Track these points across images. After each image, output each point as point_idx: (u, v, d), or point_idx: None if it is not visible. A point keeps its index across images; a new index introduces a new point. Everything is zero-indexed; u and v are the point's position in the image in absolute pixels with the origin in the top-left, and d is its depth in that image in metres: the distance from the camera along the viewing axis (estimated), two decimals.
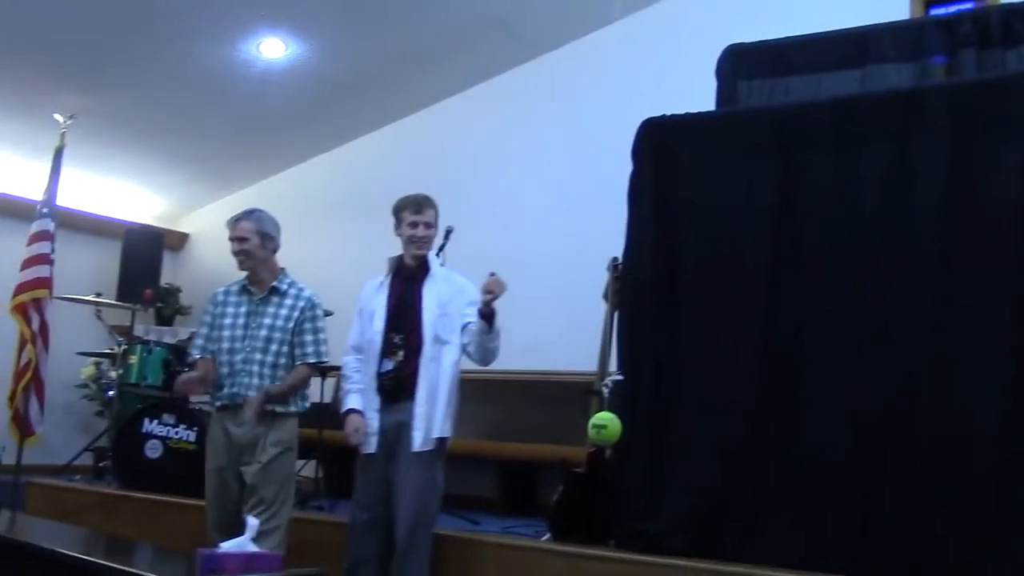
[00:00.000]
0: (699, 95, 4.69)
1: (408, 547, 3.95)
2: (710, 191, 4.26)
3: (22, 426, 5.92)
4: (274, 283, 4.17)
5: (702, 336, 4.16)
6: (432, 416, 4.01)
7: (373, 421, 4.03)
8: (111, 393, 6.70)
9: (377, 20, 6.43)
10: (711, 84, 4.81)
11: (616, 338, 4.47)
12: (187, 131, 7.59)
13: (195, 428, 5.53)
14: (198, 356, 4.27)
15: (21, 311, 6.00)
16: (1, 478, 5.81)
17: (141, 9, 5.99)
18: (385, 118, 7.75)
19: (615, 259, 4.58)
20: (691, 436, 4.09)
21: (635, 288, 4.37)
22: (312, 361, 4.15)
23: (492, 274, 3.85)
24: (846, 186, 3.93)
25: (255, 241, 4.13)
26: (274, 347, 4.11)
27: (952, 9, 5.18)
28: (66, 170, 6.37)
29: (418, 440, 3.96)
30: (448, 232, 4.37)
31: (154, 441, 5.62)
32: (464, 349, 4.09)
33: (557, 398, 5.85)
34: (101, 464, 6.39)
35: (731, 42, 4.84)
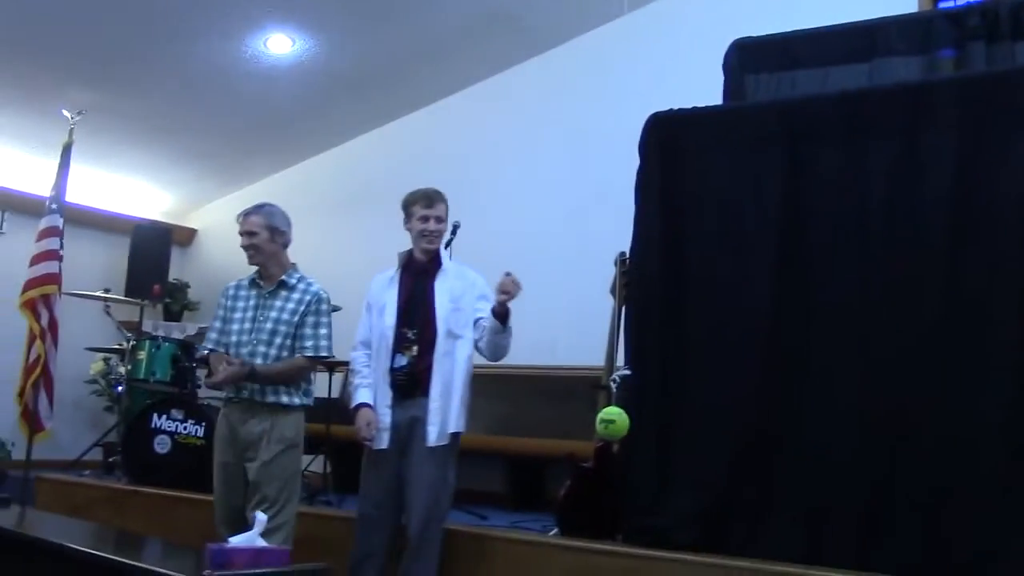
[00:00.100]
0: (706, 89, 4.68)
1: (420, 542, 3.96)
2: (717, 185, 4.25)
3: (32, 422, 5.95)
4: (283, 277, 4.16)
5: (709, 331, 4.15)
6: (447, 411, 4.00)
7: (385, 417, 4.01)
8: (120, 389, 6.74)
9: (383, 16, 6.43)
10: (718, 78, 4.80)
11: (623, 333, 4.46)
12: (195, 127, 7.61)
13: (203, 423, 5.55)
14: (211, 349, 4.25)
15: (30, 307, 6.02)
16: (11, 473, 5.84)
17: (149, 5, 6.01)
18: (391, 114, 7.76)
19: (622, 254, 4.57)
20: (698, 431, 4.08)
21: (642, 283, 4.37)
22: (310, 354, 4.11)
23: (508, 274, 3.84)
24: (854, 180, 3.91)
25: (264, 235, 4.12)
26: (278, 340, 4.08)
27: (961, 2, 5.16)
28: (74, 166, 6.39)
29: (433, 435, 3.96)
30: (455, 228, 4.38)
31: (163, 436, 5.64)
32: (475, 345, 4.09)
33: (565, 393, 5.85)
34: (110, 459, 6.41)
35: (738, 36, 4.82)
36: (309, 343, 4.11)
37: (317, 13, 6.36)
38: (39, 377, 5.96)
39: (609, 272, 4.67)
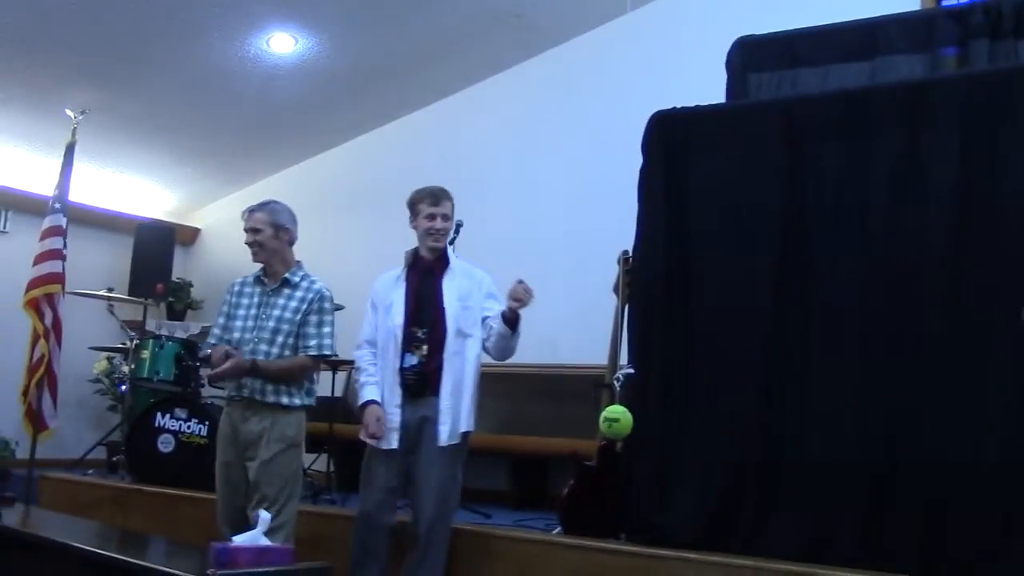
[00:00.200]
0: (708, 88, 4.67)
1: (428, 543, 3.96)
2: (720, 184, 4.25)
3: (35, 421, 5.95)
4: (286, 275, 4.13)
5: (712, 329, 4.15)
6: (458, 410, 4.00)
7: (394, 416, 3.99)
8: (123, 388, 6.74)
9: (386, 14, 6.42)
10: (720, 77, 4.79)
11: (626, 331, 4.46)
12: (198, 126, 7.61)
13: (207, 422, 5.56)
14: (214, 344, 4.21)
15: (34, 306, 6.02)
16: (15, 472, 5.85)
17: (152, 5, 6.00)
18: (394, 113, 7.76)
19: (625, 252, 4.58)
20: (701, 430, 4.08)
21: (645, 281, 4.37)
22: (313, 353, 4.08)
23: (520, 282, 3.83)
24: (856, 178, 3.91)
25: (268, 232, 4.10)
26: (280, 339, 4.06)
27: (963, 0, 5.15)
28: (78, 165, 6.39)
29: (444, 435, 3.95)
30: (458, 226, 4.37)
31: (166, 435, 5.65)
32: (483, 344, 4.09)
33: (568, 392, 5.85)
34: (114, 458, 6.43)
35: (741, 34, 4.82)
36: (312, 342, 4.08)
37: (319, 12, 6.36)
38: (43, 376, 5.96)
39: (612, 271, 4.67)
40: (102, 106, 6.74)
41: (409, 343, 4.02)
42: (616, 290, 4.64)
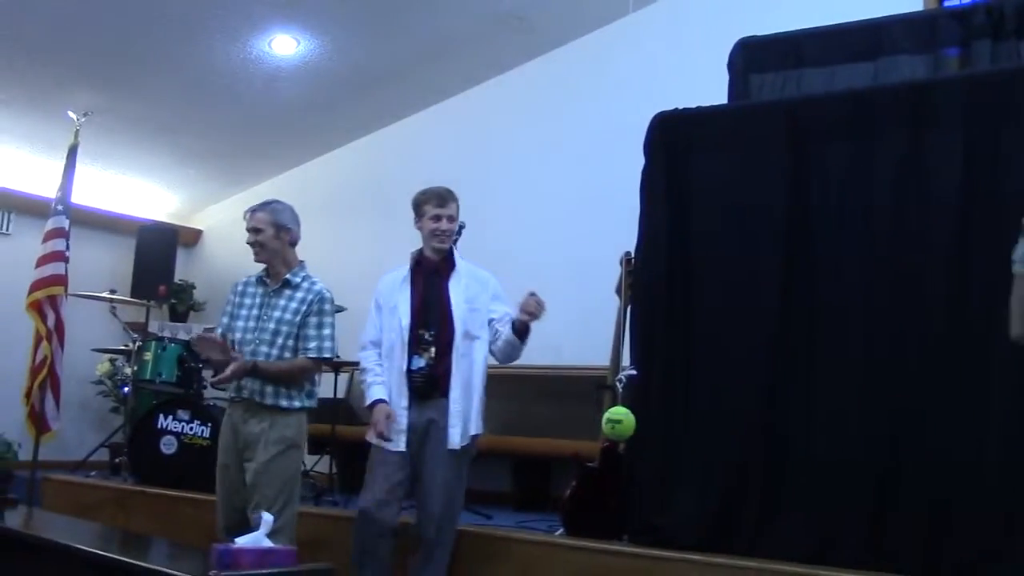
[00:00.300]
0: (711, 89, 4.67)
1: (434, 545, 3.95)
2: (723, 185, 4.25)
3: (38, 422, 5.96)
4: (287, 276, 4.10)
5: (715, 330, 4.15)
6: (468, 413, 3.98)
7: (402, 419, 3.94)
8: (126, 389, 6.73)
9: (389, 16, 6.43)
10: (723, 78, 4.79)
11: (629, 333, 4.46)
12: (200, 128, 7.62)
13: (209, 423, 5.56)
14: None
15: (36, 308, 6.03)
16: (18, 474, 5.83)
17: (154, 7, 6.01)
18: (396, 114, 7.76)
19: (627, 253, 4.58)
20: (704, 431, 4.08)
21: (647, 283, 4.37)
22: (313, 355, 4.04)
23: (532, 294, 3.81)
24: (860, 179, 3.91)
25: (269, 232, 4.08)
26: (280, 340, 4.03)
27: (966, 0, 5.15)
28: (80, 167, 6.39)
29: (455, 437, 3.92)
30: (460, 228, 4.36)
31: (169, 437, 5.65)
32: (488, 347, 4.07)
33: (570, 393, 5.85)
34: (117, 460, 6.42)
35: (743, 35, 4.82)
36: (312, 344, 4.05)
37: (321, 14, 6.37)
38: (45, 378, 5.96)
39: (614, 272, 4.67)
40: (104, 108, 6.74)
41: (416, 345, 3.98)
42: (618, 291, 4.64)
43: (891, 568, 3.49)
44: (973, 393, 3.51)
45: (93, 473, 6.24)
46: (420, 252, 4.15)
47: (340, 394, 6.40)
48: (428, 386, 3.96)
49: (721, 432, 4.03)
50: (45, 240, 6.16)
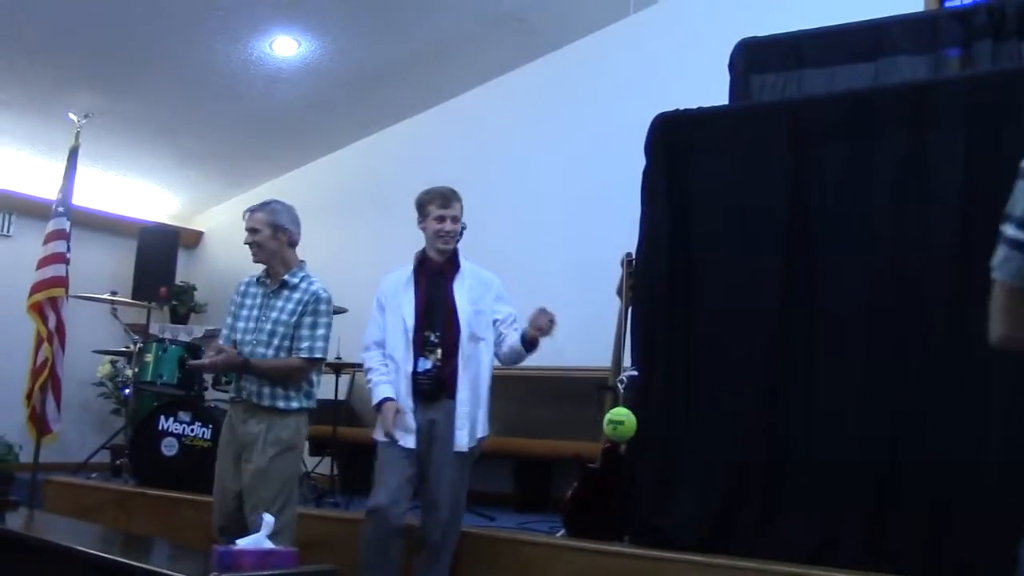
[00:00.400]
0: (712, 90, 4.67)
1: (442, 545, 3.96)
2: (724, 186, 4.25)
3: (39, 424, 5.95)
4: (285, 276, 4.08)
5: (716, 331, 4.15)
6: (476, 415, 3.97)
7: (410, 419, 3.91)
8: (127, 391, 6.74)
9: (390, 17, 6.43)
10: (724, 79, 4.79)
11: (630, 334, 4.46)
12: (201, 130, 7.62)
13: (210, 425, 5.56)
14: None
15: (37, 310, 6.03)
16: (19, 476, 5.84)
17: (154, 9, 6.01)
18: (397, 115, 7.77)
19: (628, 254, 4.57)
20: (705, 432, 4.08)
21: (648, 284, 4.36)
22: (305, 356, 4.00)
23: (544, 311, 3.80)
24: (860, 180, 3.90)
25: (266, 233, 4.06)
26: (276, 341, 4.01)
27: (967, 1, 5.15)
28: (81, 169, 6.39)
29: (463, 440, 3.90)
30: (462, 229, 4.35)
31: (170, 438, 5.65)
32: (494, 352, 4.05)
33: (571, 394, 5.84)
34: (118, 462, 6.42)
35: (743, 36, 4.82)
36: (305, 344, 4.01)
37: (322, 15, 6.37)
38: (46, 380, 5.96)
39: (615, 273, 4.67)
40: (105, 109, 6.74)
41: (421, 347, 3.95)
42: (619, 292, 4.63)
43: (891, 569, 3.48)
44: (973, 393, 3.50)
45: (94, 475, 6.25)
46: (423, 252, 4.12)
47: (341, 396, 6.40)
48: (435, 388, 3.93)
49: (722, 433, 4.02)
50: (46, 242, 6.16)
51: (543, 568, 4.10)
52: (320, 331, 4.04)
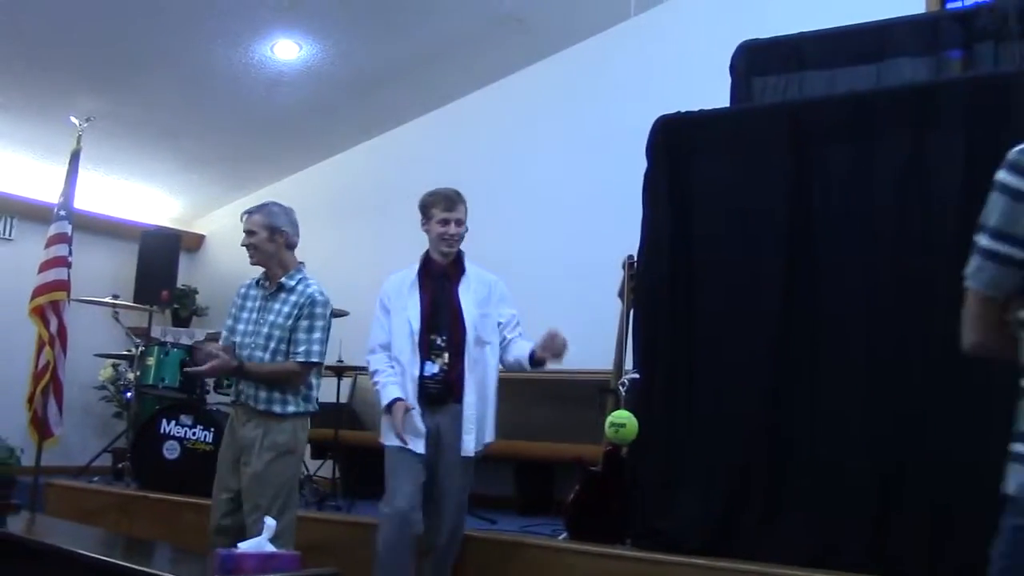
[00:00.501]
0: (713, 92, 4.68)
1: (448, 550, 3.95)
2: (725, 188, 4.25)
3: (41, 428, 5.95)
4: (282, 279, 4.05)
5: (717, 333, 4.14)
6: (484, 420, 3.94)
7: (419, 422, 3.85)
8: (129, 394, 6.74)
9: (390, 20, 6.43)
10: (725, 81, 4.79)
11: (631, 336, 4.46)
12: (202, 133, 7.63)
13: (212, 429, 5.56)
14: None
15: (39, 313, 6.02)
16: (20, 479, 5.84)
17: (155, 12, 6.02)
18: (399, 118, 7.77)
19: (630, 257, 4.57)
20: (707, 434, 4.07)
21: (650, 286, 4.36)
22: (301, 360, 3.95)
23: (556, 335, 3.75)
24: (862, 181, 3.90)
25: (263, 235, 4.03)
26: (272, 344, 3.98)
27: (969, 2, 5.15)
28: (83, 173, 6.39)
29: (470, 444, 3.87)
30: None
31: (172, 442, 5.65)
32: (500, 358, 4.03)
33: (573, 397, 5.83)
34: (120, 465, 6.42)
35: (745, 38, 4.82)
36: (301, 348, 3.96)
37: (323, 19, 6.38)
38: (48, 383, 5.96)
39: (617, 275, 4.67)
40: (106, 113, 6.74)
41: (427, 351, 3.91)
42: (621, 295, 4.63)
43: (894, 571, 3.48)
44: (976, 395, 3.49)
45: (96, 478, 6.25)
46: (428, 255, 4.07)
47: (343, 399, 6.40)
48: (442, 392, 3.90)
49: (724, 435, 4.02)
50: (48, 245, 6.16)
51: (545, 571, 4.10)
52: (316, 334, 4.00)
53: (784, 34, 4.75)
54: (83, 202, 6.70)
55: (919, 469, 3.58)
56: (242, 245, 4.11)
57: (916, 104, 3.85)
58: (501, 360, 4.04)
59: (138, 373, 6.14)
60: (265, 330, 4.01)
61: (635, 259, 4.51)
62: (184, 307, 8.55)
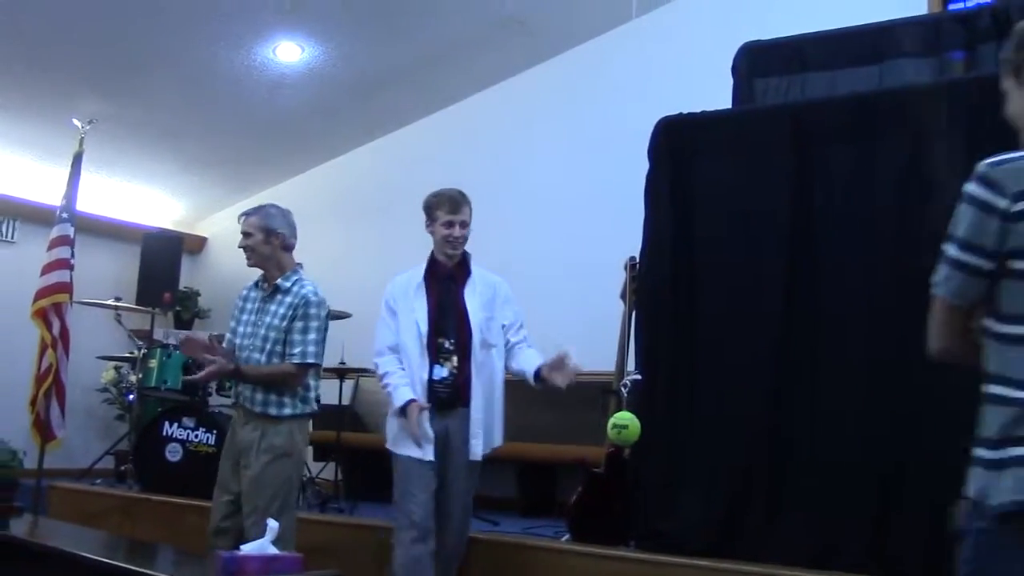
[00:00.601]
0: (715, 93, 4.67)
1: (454, 554, 3.94)
2: (727, 189, 4.24)
3: (43, 431, 5.96)
4: (278, 280, 4.04)
5: (720, 335, 4.14)
6: (492, 424, 3.92)
7: (428, 427, 3.78)
8: (131, 397, 6.74)
9: (393, 22, 6.43)
10: (727, 82, 4.79)
11: (633, 338, 4.45)
12: (205, 135, 7.63)
13: (214, 431, 5.56)
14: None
15: (42, 316, 6.04)
16: (23, 482, 5.84)
17: (158, 15, 6.02)
18: (401, 120, 7.77)
19: (632, 258, 4.57)
20: (709, 435, 4.07)
21: (652, 287, 4.36)
22: (296, 361, 3.92)
23: (565, 357, 3.70)
24: (864, 183, 3.90)
25: (258, 237, 4.03)
26: (269, 346, 3.96)
27: (971, 3, 5.14)
28: (85, 175, 6.41)
29: (479, 449, 3.85)
30: None
31: (174, 444, 5.65)
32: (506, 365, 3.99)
33: (576, 398, 5.79)
34: (122, 468, 6.43)
35: (747, 39, 4.81)
36: (296, 349, 3.93)
37: (325, 21, 6.38)
38: (51, 386, 5.97)
39: (619, 277, 4.67)
40: (109, 115, 6.75)
41: (437, 354, 3.86)
42: (623, 296, 4.63)
43: (894, 571, 3.48)
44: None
45: (98, 481, 6.25)
46: (433, 256, 4.02)
47: (345, 401, 6.40)
48: (452, 396, 3.85)
49: (726, 436, 4.02)
50: (50, 248, 6.18)
51: (547, 573, 4.10)
52: (311, 335, 3.96)
53: (786, 35, 4.75)
54: (85, 204, 6.72)
55: (919, 469, 3.58)
56: (239, 247, 4.12)
57: (918, 106, 3.84)
58: (505, 365, 4.00)
59: (140, 375, 6.15)
60: (262, 332, 4.00)
61: (637, 260, 4.51)
62: (186, 309, 8.56)
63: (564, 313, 6.12)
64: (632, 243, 4.47)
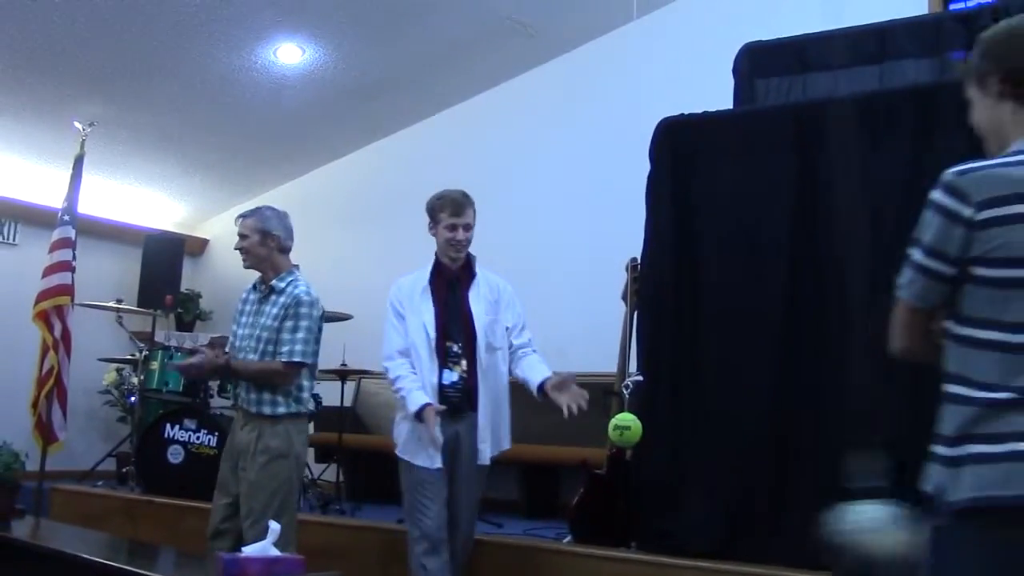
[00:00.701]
0: (716, 94, 4.67)
1: (462, 554, 3.92)
2: (728, 190, 4.24)
3: (45, 433, 5.96)
4: (273, 281, 4.05)
5: (721, 335, 4.14)
6: (499, 427, 3.91)
7: (438, 434, 3.70)
8: (133, 399, 6.74)
9: (394, 24, 6.43)
10: (728, 83, 4.79)
11: (635, 339, 4.45)
12: (206, 137, 7.63)
13: (216, 433, 5.56)
14: (227, 352, 4.17)
15: (43, 318, 6.04)
16: (25, 484, 5.84)
17: (159, 17, 6.02)
18: (402, 121, 7.77)
19: (633, 259, 4.57)
20: (711, 436, 4.06)
21: (653, 288, 4.36)
22: (284, 359, 3.91)
23: (571, 382, 3.70)
24: (866, 183, 3.89)
25: (254, 239, 4.05)
26: (261, 347, 3.97)
27: (971, 3, 5.14)
28: (86, 177, 6.41)
29: (486, 453, 3.84)
30: None
31: (176, 446, 5.65)
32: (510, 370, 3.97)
33: None
34: (124, 470, 6.43)
35: (748, 40, 4.81)
36: (285, 348, 3.93)
37: (327, 23, 6.38)
38: (52, 388, 5.97)
39: (620, 278, 4.66)
40: (110, 118, 6.76)
41: (445, 358, 3.83)
42: (624, 297, 4.63)
43: None
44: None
45: (100, 483, 6.26)
46: (438, 258, 3.98)
47: (347, 402, 6.40)
48: (462, 401, 3.81)
49: (728, 437, 4.01)
50: (51, 250, 6.18)
51: (550, 574, 4.10)
52: (300, 334, 3.94)
53: (787, 36, 4.74)
54: (87, 206, 6.71)
55: (922, 470, 3.57)
56: (235, 248, 4.14)
57: (919, 106, 3.84)
58: (509, 369, 3.98)
59: (142, 377, 6.15)
60: (257, 332, 4.02)
61: (638, 262, 4.50)
62: (188, 311, 8.56)
63: (565, 314, 6.12)
64: (634, 244, 4.47)
